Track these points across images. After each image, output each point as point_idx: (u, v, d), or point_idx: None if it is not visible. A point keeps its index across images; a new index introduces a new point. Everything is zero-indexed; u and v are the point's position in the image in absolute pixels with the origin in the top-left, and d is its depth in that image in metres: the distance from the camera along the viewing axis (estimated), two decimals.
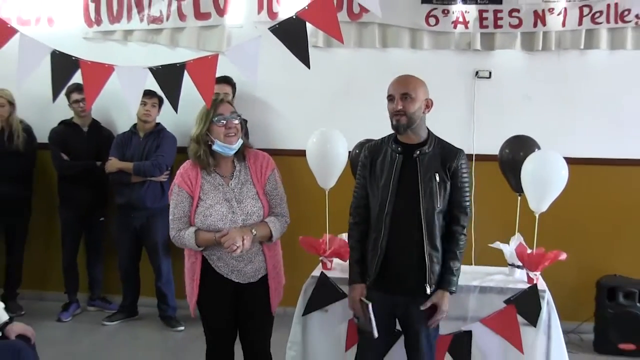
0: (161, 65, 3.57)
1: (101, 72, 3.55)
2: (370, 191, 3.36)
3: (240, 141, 3.43)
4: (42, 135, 5.76)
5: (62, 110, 5.55)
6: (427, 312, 3.30)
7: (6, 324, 3.62)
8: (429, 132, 3.32)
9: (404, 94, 3.20)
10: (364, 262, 3.35)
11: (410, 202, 3.23)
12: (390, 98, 3.25)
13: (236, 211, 3.37)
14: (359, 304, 3.30)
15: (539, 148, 4.18)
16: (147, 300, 5.74)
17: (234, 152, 3.42)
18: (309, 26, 3.48)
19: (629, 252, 5.40)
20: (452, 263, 3.26)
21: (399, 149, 3.28)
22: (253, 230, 3.33)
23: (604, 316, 5.10)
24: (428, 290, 3.26)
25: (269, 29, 3.51)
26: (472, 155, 5.07)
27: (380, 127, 3.45)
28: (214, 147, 3.37)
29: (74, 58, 3.60)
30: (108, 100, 5.32)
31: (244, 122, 3.50)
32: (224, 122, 3.36)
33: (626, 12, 5.16)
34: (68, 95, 5.38)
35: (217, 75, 3.61)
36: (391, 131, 3.33)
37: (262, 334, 3.61)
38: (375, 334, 3.20)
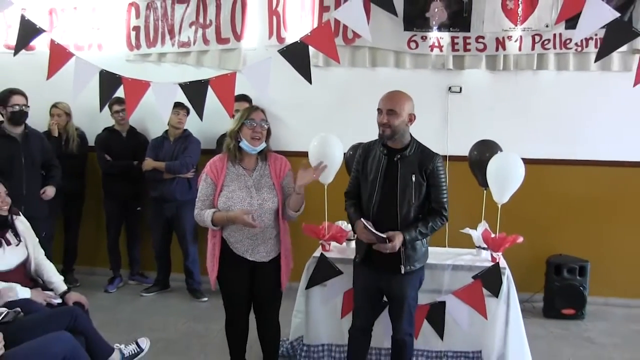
0: (189, 82, 3.56)
1: (139, 87, 3.56)
2: (362, 183, 3.37)
3: (264, 144, 3.41)
4: (92, 140, 5.74)
5: (108, 118, 5.54)
6: (405, 282, 3.28)
7: (65, 292, 3.67)
8: (412, 138, 3.29)
9: (390, 110, 3.17)
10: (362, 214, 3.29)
11: (390, 196, 3.23)
12: (379, 111, 3.22)
13: (254, 196, 3.35)
14: (364, 230, 3.16)
15: (501, 150, 4.17)
16: (177, 276, 5.70)
17: (256, 152, 3.40)
18: (311, 49, 3.45)
19: (572, 236, 5.37)
20: (422, 226, 3.19)
21: (385, 151, 3.27)
22: (299, 192, 3.32)
23: (551, 288, 5.11)
24: (402, 270, 3.25)
25: (277, 51, 3.50)
26: (447, 156, 5.01)
27: (369, 133, 3.42)
28: (241, 144, 3.36)
29: (117, 76, 3.61)
30: (143, 111, 5.38)
31: (268, 130, 3.44)
32: (253, 125, 3.32)
33: (568, 41, 5.14)
34: (110, 106, 5.31)
35: (237, 93, 3.59)
36: None
37: (273, 306, 3.58)
38: (384, 236, 3.11)
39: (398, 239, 3.11)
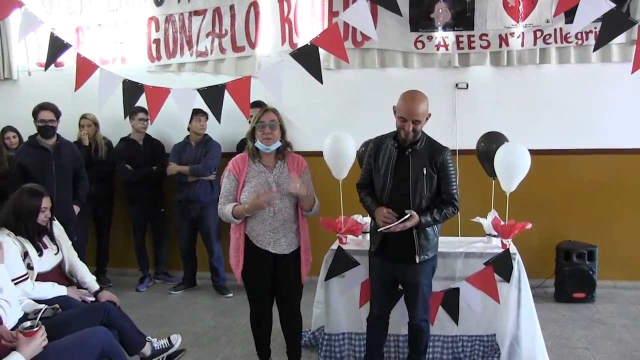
0: (206, 87, 3.60)
1: (160, 94, 3.61)
2: (374, 176, 3.36)
3: (278, 143, 3.42)
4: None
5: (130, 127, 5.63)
6: (420, 270, 3.28)
7: (98, 291, 3.74)
8: (422, 133, 3.26)
9: (415, 121, 3.13)
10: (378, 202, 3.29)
11: (402, 188, 3.21)
12: (403, 119, 3.15)
13: (274, 190, 3.37)
14: (385, 212, 3.17)
15: (507, 141, 4.13)
16: (203, 274, 5.74)
17: (270, 151, 3.42)
18: (321, 51, 3.47)
19: (580, 223, 5.35)
20: (436, 213, 3.18)
21: (396, 145, 3.24)
22: (308, 191, 3.38)
23: (561, 273, 5.08)
24: (417, 260, 3.24)
25: (289, 54, 3.52)
26: (456, 150, 5.03)
27: (381, 130, 3.43)
28: (256, 144, 3.40)
29: (139, 84, 3.65)
30: (165, 120, 5.45)
31: (282, 128, 3.44)
32: (263, 127, 3.35)
33: (568, 35, 5.13)
34: (133, 114, 5.37)
35: (252, 100, 3.61)
36: (392, 129, 3.29)
37: (294, 297, 3.59)
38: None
39: (413, 219, 3.11)
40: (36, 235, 3.52)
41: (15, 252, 3.34)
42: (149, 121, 5.54)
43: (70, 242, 3.88)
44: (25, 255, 3.42)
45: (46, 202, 3.56)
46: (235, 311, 5.02)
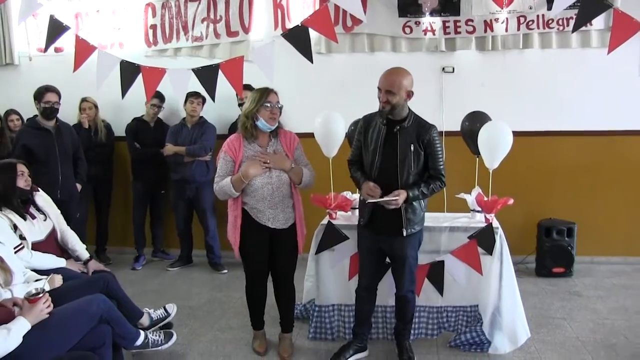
0: (201, 67, 3.59)
1: (156, 74, 3.58)
2: (364, 152, 3.36)
3: (277, 123, 3.44)
4: (117, 130, 5.83)
5: (132, 110, 5.60)
6: (406, 243, 3.30)
7: (87, 260, 3.76)
8: (409, 111, 3.27)
9: (387, 90, 3.15)
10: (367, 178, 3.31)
11: (391, 164, 3.22)
12: (379, 89, 3.20)
13: (272, 169, 3.39)
14: (371, 185, 3.20)
15: (491, 120, 4.14)
16: (199, 252, 5.75)
17: (271, 130, 3.44)
18: (313, 36, 3.46)
19: (560, 201, 5.42)
20: (423, 187, 3.20)
21: (384, 122, 3.25)
22: (292, 165, 3.42)
23: (542, 249, 5.15)
24: (404, 233, 3.26)
25: (281, 34, 3.52)
26: (442, 131, 5.04)
27: (369, 111, 3.41)
28: (258, 123, 3.38)
29: (136, 65, 3.64)
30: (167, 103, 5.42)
31: (280, 109, 3.46)
32: (271, 107, 3.36)
33: (550, 21, 5.16)
34: (150, 99, 5.31)
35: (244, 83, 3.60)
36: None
37: (290, 269, 3.62)
38: (390, 198, 3.12)
39: (402, 195, 3.13)
40: (21, 206, 3.51)
41: (4, 225, 3.33)
42: (162, 107, 5.59)
43: (59, 211, 3.86)
44: (15, 228, 3.41)
45: (21, 167, 3.56)
46: (229, 286, 5.04)
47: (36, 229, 3.56)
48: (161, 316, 3.72)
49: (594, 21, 4.94)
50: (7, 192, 3.45)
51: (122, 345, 3.12)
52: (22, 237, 3.40)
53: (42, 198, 3.77)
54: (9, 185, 3.47)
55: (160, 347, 3.40)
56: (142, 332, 3.26)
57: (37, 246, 3.48)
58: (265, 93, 3.37)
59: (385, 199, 3.13)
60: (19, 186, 3.51)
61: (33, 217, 3.58)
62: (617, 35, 3.08)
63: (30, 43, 6.04)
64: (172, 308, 3.81)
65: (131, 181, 5.80)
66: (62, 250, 3.75)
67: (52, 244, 3.65)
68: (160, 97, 5.46)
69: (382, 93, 3.17)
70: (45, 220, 3.68)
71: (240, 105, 5.21)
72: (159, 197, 5.84)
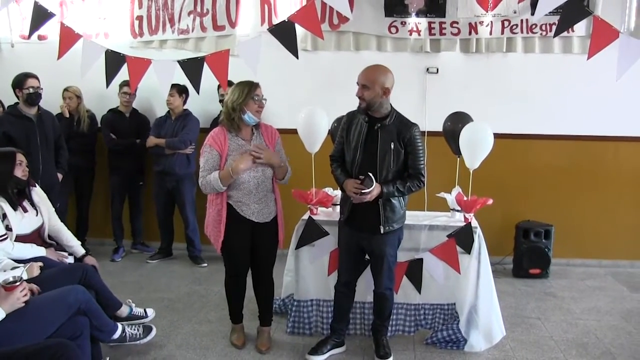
0: (187, 59, 3.57)
1: (141, 64, 3.56)
2: (346, 149, 3.37)
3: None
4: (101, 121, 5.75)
5: (115, 101, 5.57)
6: (385, 241, 3.31)
7: (83, 256, 3.77)
8: (391, 109, 3.28)
9: (362, 85, 3.19)
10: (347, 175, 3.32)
11: (371, 161, 3.23)
12: (357, 83, 3.23)
13: (256, 163, 3.37)
14: (353, 182, 3.20)
15: (472, 121, 4.18)
16: (179, 245, 5.73)
17: (256, 122, 3.44)
18: (299, 33, 3.47)
19: (538, 203, 5.49)
20: (399, 184, 3.20)
21: (366, 119, 3.26)
22: (282, 162, 3.45)
23: (519, 250, 5.20)
24: (382, 230, 3.28)
25: (267, 29, 3.52)
26: (425, 131, 5.07)
27: (353, 109, 3.41)
28: (244, 116, 3.37)
29: (121, 55, 3.61)
30: (149, 93, 5.37)
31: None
32: (259, 100, 3.38)
33: (534, 26, 5.23)
34: (120, 87, 5.33)
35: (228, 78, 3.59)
36: None
37: (270, 262, 3.63)
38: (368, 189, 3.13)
39: (376, 189, 3.14)
40: (15, 197, 3.47)
41: None
42: (132, 95, 5.50)
43: (53, 209, 3.83)
44: (4, 217, 3.36)
45: (20, 157, 3.52)
46: (209, 280, 5.04)
47: (24, 223, 3.50)
48: (139, 314, 3.72)
49: (575, 28, 5.05)
50: (4, 179, 3.41)
51: (99, 338, 3.11)
52: (8, 228, 3.35)
53: (38, 195, 3.73)
54: (6, 173, 3.42)
55: (138, 342, 3.39)
56: (119, 325, 3.25)
57: (19, 239, 3.43)
58: (253, 86, 3.37)
59: (365, 191, 3.13)
60: (15, 175, 3.46)
61: (25, 211, 3.54)
62: (597, 42, 3.15)
63: (12, 29, 5.95)
64: (151, 313, 3.80)
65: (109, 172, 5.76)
66: (43, 242, 3.68)
67: (35, 237, 3.59)
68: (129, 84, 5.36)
69: (358, 88, 3.21)
70: (36, 216, 3.63)
71: (221, 101, 5.19)
72: (137, 189, 5.80)
